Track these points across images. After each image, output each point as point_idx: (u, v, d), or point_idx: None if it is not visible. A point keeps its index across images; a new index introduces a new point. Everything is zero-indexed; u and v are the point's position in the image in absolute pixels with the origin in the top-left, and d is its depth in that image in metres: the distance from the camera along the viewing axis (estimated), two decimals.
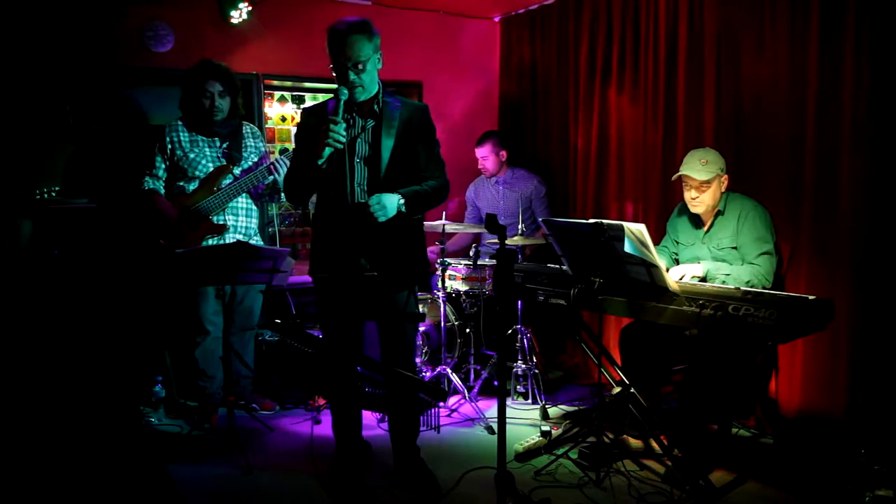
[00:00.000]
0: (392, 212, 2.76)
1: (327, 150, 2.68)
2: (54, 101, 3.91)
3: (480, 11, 5.23)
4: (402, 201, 2.79)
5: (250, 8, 4.27)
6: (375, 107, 2.85)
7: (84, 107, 4.00)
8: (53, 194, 3.77)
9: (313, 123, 2.80)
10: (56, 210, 3.79)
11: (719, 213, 3.25)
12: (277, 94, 5.05)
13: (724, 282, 3.07)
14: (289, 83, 4.82)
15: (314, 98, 5.07)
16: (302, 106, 5.08)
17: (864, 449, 2.93)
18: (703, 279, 3.15)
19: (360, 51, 2.71)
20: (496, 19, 5.37)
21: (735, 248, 3.19)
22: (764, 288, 3.03)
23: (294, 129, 5.06)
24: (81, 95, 3.99)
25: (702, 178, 3.18)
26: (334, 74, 2.78)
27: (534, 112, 5.12)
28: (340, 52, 2.71)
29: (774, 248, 3.15)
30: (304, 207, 5.02)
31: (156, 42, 4.15)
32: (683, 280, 3.10)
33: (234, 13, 4.25)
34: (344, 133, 2.69)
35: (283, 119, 5.10)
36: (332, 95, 2.83)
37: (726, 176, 3.24)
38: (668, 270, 3.29)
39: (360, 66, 2.73)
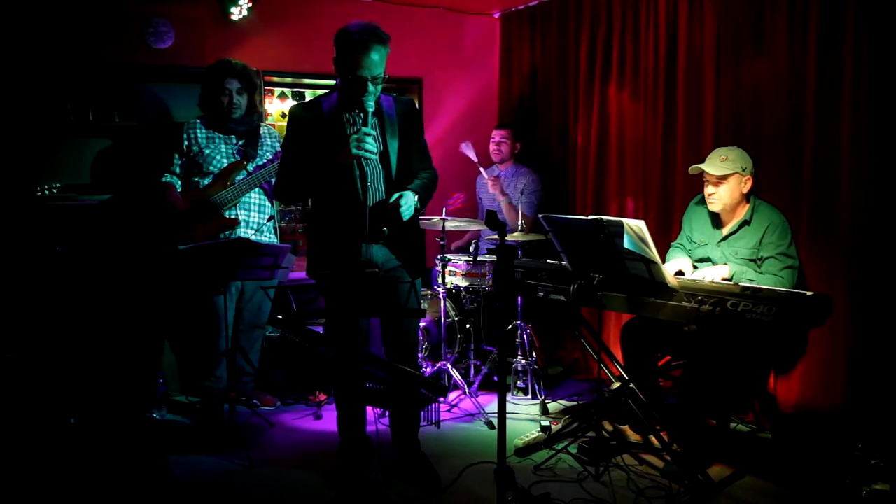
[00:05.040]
0: (413, 209, 2.81)
1: (353, 159, 2.69)
2: (55, 98, 3.92)
3: (480, 7, 5.23)
4: (416, 198, 2.82)
5: (250, 4, 4.27)
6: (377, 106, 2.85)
7: (113, 104, 4.04)
8: (55, 191, 3.79)
9: (310, 124, 2.81)
10: (57, 207, 3.80)
11: (745, 223, 3.19)
12: (278, 90, 5.06)
13: None
14: (289, 79, 4.82)
15: (314, 94, 5.07)
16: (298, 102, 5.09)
17: (861, 443, 2.94)
18: (728, 280, 3.10)
19: (380, 63, 2.70)
20: (496, 15, 5.38)
21: (753, 260, 3.16)
22: None
23: None
24: (88, 92, 4.00)
25: (716, 172, 3.16)
26: (340, 75, 2.74)
27: (534, 108, 5.13)
28: (359, 65, 2.66)
29: (798, 261, 3.12)
30: (304, 204, 5.03)
31: (156, 39, 4.15)
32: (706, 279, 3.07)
33: (234, 10, 4.25)
34: (374, 146, 2.70)
35: (284, 115, 5.11)
36: (328, 91, 2.83)
37: (749, 177, 3.17)
38: (694, 271, 3.29)
39: (378, 79, 2.72)
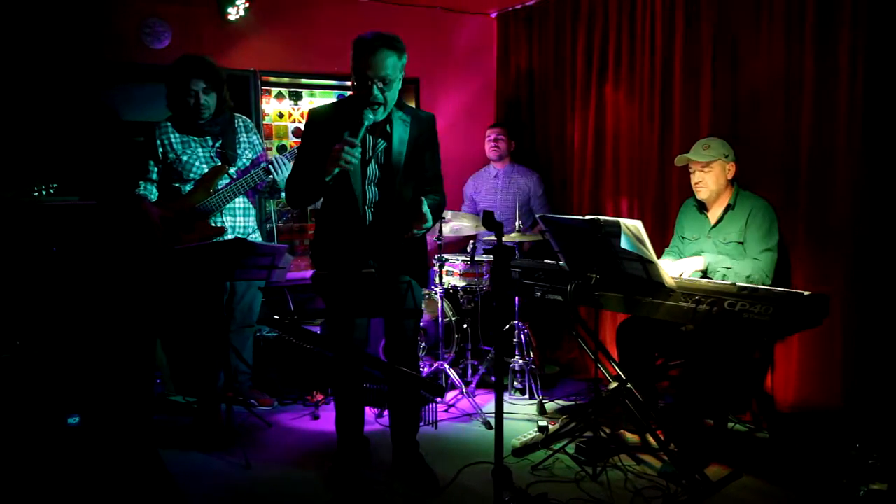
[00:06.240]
0: (430, 225, 2.80)
1: (336, 170, 2.66)
2: (51, 98, 3.91)
3: (477, 7, 5.23)
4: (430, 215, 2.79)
5: (248, 4, 4.27)
6: (388, 127, 2.81)
7: (66, 106, 3.95)
8: (52, 191, 3.77)
9: (323, 128, 2.78)
10: (54, 207, 3.79)
11: (730, 208, 3.27)
12: (275, 90, 5.05)
13: (724, 276, 3.11)
14: (286, 79, 4.81)
15: (311, 94, 5.06)
16: (299, 102, 5.07)
17: (858, 443, 2.95)
18: (704, 272, 3.17)
19: (389, 67, 2.66)
20: (493, 15, 5.37)
21: (741, 242, 3.21)
22: (762, 283, 3.05)
23: (291, 126, 5.07)
24: (77, 92, 3.98)
25: (701, 159, 3.23)
26: (354, 84, 2.72)
27: (530, 108, 5.13)
28: (367, 66, 2.64)
29: (777, 246, 3.16)
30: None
31: (153, 39, 4.15)
32: (683, 276, 3.11)
33: (231, 10, 4.25)
34: (358, 157, 2.66)
35: (281, 115, 5.09)
36: (335, 93, 2.81)
37: (733, 164, 3.25)
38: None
39: (386, 84, 2.68)
